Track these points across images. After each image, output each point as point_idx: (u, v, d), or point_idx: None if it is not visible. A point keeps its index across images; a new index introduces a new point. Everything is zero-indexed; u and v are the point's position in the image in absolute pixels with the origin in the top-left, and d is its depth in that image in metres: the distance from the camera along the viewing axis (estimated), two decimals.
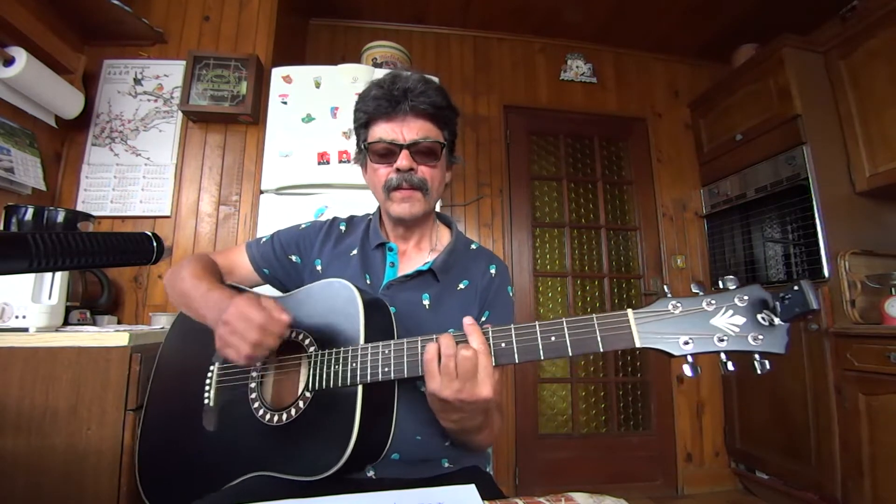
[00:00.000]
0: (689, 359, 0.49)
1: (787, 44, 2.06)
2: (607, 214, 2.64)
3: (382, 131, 0.78)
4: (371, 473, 0.70)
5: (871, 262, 1.89)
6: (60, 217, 1.27)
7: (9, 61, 1.44)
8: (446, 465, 0.75)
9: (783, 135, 2.08)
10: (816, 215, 1.93)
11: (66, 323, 1.31)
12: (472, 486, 0.50)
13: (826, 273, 1.88)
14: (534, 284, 2.48)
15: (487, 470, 0.83)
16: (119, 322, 1.68)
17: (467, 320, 0.57)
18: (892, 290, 1.76)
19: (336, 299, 0.70)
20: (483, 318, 0.81)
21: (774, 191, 2.13)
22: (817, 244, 1.92)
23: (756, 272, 2.28)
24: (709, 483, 2.34)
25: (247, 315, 0.60)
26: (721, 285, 0.51)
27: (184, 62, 1.85)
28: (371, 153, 0.80)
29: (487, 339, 0.56)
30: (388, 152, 0.77)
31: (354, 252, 0.85)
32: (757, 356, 0.48)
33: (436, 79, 0.84)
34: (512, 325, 0.56)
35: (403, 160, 0.76)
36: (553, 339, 0.54)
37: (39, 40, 1.54)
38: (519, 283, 2.44)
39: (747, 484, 2.29)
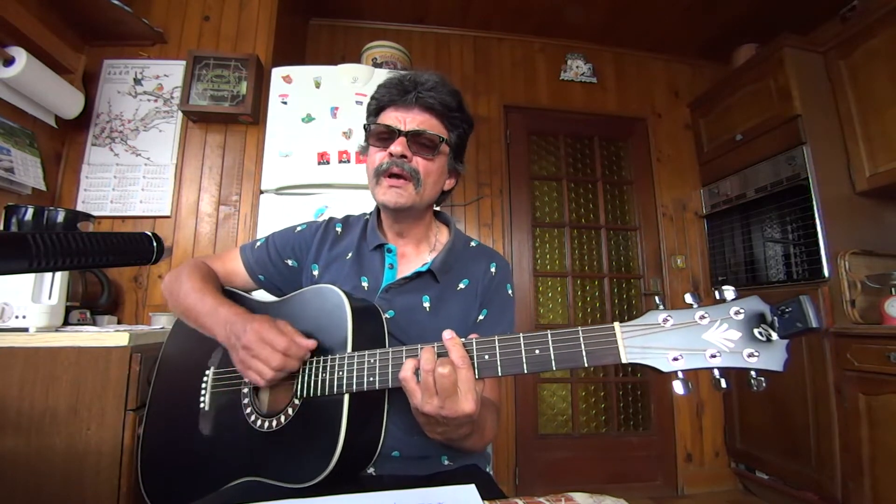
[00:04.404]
0: (680, 375, 0.47)
1: (787, 44, 2.06)
2: (607, 214, 2.64)
3: (387, 118, 0.79)
4: (371, 471, 0.70)
5: (871, 262, 1.89)
6: (60, 217, 1.27)
7: (9, 61, 1.44)
8: (446, 462, 0.75)
9: (783, 135, 2.08)
10: (816, 215, 1.93)
11: (66, 323, 1.31)
12: (472, 487, 0.49)
13: (826, 273, 1.88)
14: (534, 284, 2.48)
15: (487, 469, 0.83)
16: (119, 322, 1.69)
17: (446, 334, 0.56)
18: (892, 290, 1.76)
19: (325, 306, 0.69)
20: (481, 317, 0.81)
21: (774, 191, 2.13)
22: (817, 244, 1.92)
23: (756, 272, 2.28)
24: (709, 483, 2.34)
25: (269, 340, 0.61)
26: (718, 296, 0.48)
27: (184, 62, 1.86)
28: (371, 136, 0.80)
29: (470, 352, 0.55)
30: (386, 136, 0.77)
31: (350, 255, 0.84)
32: (753, 373, 0.45)
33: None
34: (496, 337, 0.55)
35: (398, 146, 0.75)
36: (537, 352, 0.52)
37: (39, 40, 1.54)
38: (519, 284, 2.44)
39: (747, 484, 2.29)
